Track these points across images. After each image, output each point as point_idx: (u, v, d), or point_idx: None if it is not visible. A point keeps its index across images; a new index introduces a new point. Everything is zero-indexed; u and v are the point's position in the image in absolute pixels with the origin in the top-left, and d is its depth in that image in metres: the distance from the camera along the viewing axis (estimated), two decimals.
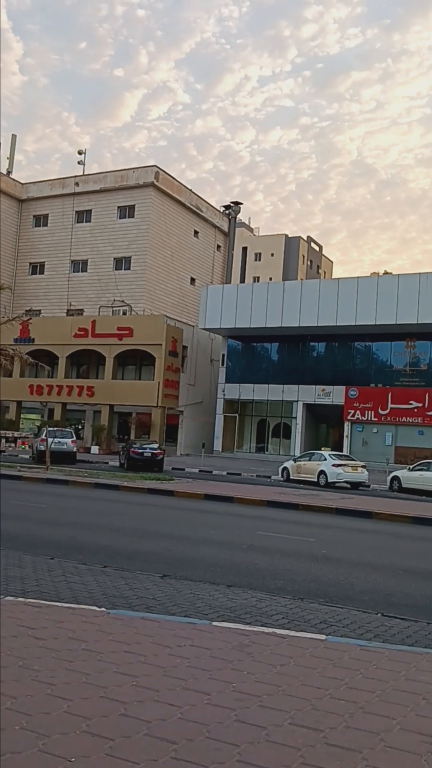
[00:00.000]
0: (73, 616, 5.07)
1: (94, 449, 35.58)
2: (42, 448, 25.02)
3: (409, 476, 23.62)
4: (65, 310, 43.88)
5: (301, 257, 74.04)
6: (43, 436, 25.99)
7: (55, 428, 29.35)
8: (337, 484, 23.29)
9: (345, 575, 8.21)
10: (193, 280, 46.92)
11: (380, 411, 33.87)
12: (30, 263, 46.96)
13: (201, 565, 8.13)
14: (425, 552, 11.06)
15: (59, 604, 5.45)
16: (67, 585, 6.38)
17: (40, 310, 44.69)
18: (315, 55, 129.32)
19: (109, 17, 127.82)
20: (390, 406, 33.64)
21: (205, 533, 11.07)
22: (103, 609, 5.35)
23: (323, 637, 5.00)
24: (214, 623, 5.15)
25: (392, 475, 24.71)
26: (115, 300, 41.76)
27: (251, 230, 79.33)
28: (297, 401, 36.65)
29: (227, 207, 49.90)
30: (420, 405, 32.92)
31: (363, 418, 34.45)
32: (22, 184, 48.34)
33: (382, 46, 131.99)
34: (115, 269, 43.30)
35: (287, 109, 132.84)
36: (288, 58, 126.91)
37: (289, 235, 75.44)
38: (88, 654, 4.18)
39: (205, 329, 38.98)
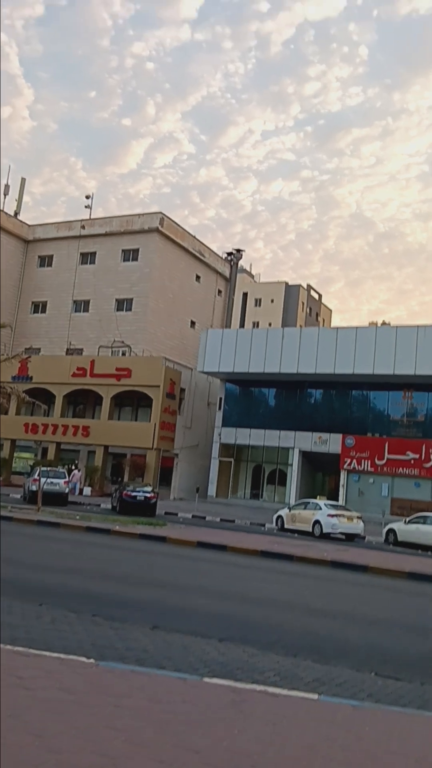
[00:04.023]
0: (62, 666, 4.97)
1: (87, 490, 35.26)
2: (34, 488, 24.77)
3: (405, 529, 23.38)
4: (65, 350, 44.10)
5: (300, 304, 74.92)
6: (36, 476, 25.78)
7: (48, 468, 29.12)
8: (332, 535, 23.02)
9: (339, 630, 8.08)
10: (193, 323, 47.34)
11: (377, 461, 33.76)
12: (32, 302, 47.41)
13: (193, 616, 8.00)
14: (420, 608, 10.90)
15: (48, 653, 5.34)
16: (57, 633, 6.26)
17: (39, 349, 44.92)
18: (317, 111, 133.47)
19: (119, 69, 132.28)
20: (387, 456, 33.56)
21: (197, 582, 10.91)
22: (92, 660, 5.25)
23: (316, 696, 4.91)
24: (206, 679, 5.05)
25: (388, 527, 24.46)
26: (115, 341, 42.03)
27: (252, 276, 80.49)
28: (293, 448, 36.54)
29: (229, 254, 50.77)
30: (417, 456, 32.84)
31: (359, 468, 34.31)
32: (29, 225, 49.19)
33: (382, 105, 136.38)
34: (117, 310, 43.72)
35: (289, 162, 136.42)
36: (291, 113, 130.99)
37: (289, 283, 76.51)
38: (78, 706, 4.09)
39: (203, 372, 39.14)
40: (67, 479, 28.66)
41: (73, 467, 38.29)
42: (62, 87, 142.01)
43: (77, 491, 34.22)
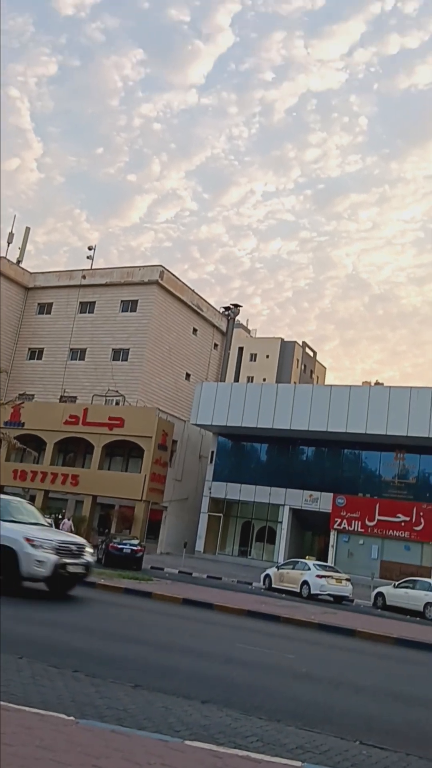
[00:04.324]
0: (41, 722, 4.85)
1: None
2: None
3: (393, 593, 23.05)
4: (59, 397, 44.15)
5: (295, 361, 75.58)
6: None
7: None
8: (320, 597, 22.63)
9: (325, 695, 7.90)
10: (188, 375, 47.63)
11: (367, 522, 33.49)
12: (29, 348, 47.72)
13: (176, 676, 7.83)
14: (407, 675, 10.68)
15: (27, 708, 5.22)
16: (36, 688, 6.12)
17: (33, 395, 44.96)
18: (317, 176, 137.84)
19: (127, 127, 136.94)
20: (377, 517, 33.32)
21: (181, 641, 10.69)
22: (72, 718, 5.13)
23: (299, 763, 4.79)
24: (187, 742, 4.93)
25: (377, 590, 24.11)
26: (109, 390, 42.16)
27: (248, 331, 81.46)
28: (284, 505, 36.26)
29: (227, 308, 51.51)
30: (407, 519, 32.63)
31: (350, 528, 33.99)
32: (30, 273, 49.99)
33: (380, 173, 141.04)
34: (113, 360, 44.01)
35: (288, 222, 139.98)
36: (291, 177, 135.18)
37: (285, 339, 77.37)
38: (56, 765, 3.99)
39: (196, 425, 39.14)
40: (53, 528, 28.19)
41: (60, 516, 37.75)
42: (71, 142, 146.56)
43: None
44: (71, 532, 34.58)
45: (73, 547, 13.00)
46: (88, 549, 13.72)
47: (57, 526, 32.73)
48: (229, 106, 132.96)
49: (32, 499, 38.39)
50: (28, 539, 12.16)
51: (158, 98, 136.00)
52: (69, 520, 35.32)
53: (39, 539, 12.30)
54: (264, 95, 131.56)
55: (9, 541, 12.11)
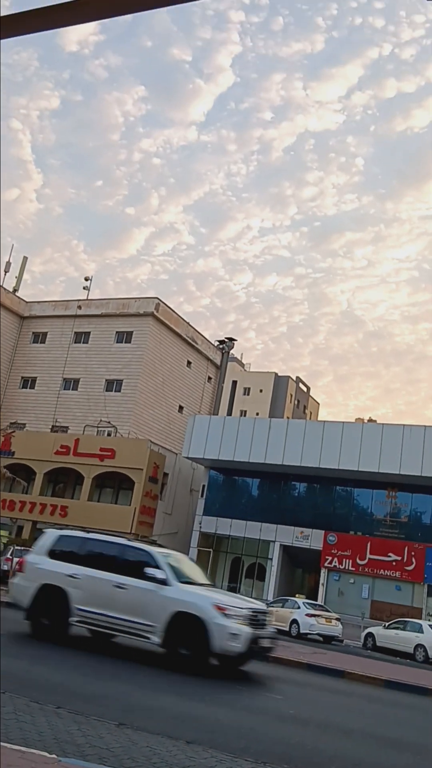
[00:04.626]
0: (21, 760, 4.71)
1: None
2: (6, 567, 24.03)
3: (384, 634, 22.74)
4: (50, 426, 43.94)
5: (288, 396, 75.71)
6: (9, 555, 25.06)
7: (23, 548, 28.32)
8: (309, 636, 22.27)
9: (312, 739, 7.72)
10: (181, 408, 47.58)
11: (358, 561, 33.16)
12: (22, 377, 47.67)
13: (160, 714, 7.64)
14: (397, 719, 10.46)
15: (7, 745, 5.07)
16: (18, 724, 5.95)
17: (25, 424, 44.73)
18: (313, 214, 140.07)
19: (127, 162, 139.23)
20: (368, 556, 33.00)
21: (167, 680, 10.46)
22: (53, 756, 4.98)
23: None
24: None
25: (367, 631, 23.79)
26: (101, 420, 42.00)
27: (242, 365, 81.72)
28: (274, 541, 35.90)
29: (221, 342, 51.76)
30: (399, 558, 32.33)
31: (340, 567, 33.63)
32: (26, 302, 50.22)
33: (375, 212, 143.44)
34: (106, 390, 43.96)
35: (284, 258, 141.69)
36: (288, 214, 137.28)
37: (279, 374, 77.63)
38: None
39: (188, 458, 38.94)
40: None
41: None
42: (71, 174, 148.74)
43: None
44: None
45: (260, 616, 11.20)
46: (270, 616, 12.14)
47: None
48: (228, 143, 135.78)
49: (20, 530, 37.91)
50: (218, 607, 10.31)
51: (158, 134, 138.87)
52: None
53: (230, 607, 10.42)
54: (263, 134, 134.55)
55: (195, 609, 10.32)
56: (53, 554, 11.95)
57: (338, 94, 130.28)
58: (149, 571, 10.73)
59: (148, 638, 10.70)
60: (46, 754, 5.01)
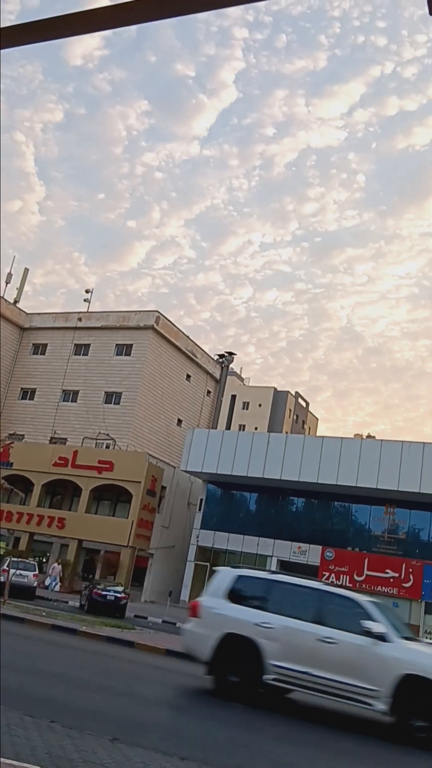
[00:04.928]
0: None
1: (47, 582, 33.91)
2: (2, 579, 23.87)
3: None
4: (49, 438, 43.84)
5: (287, 411, 75.63)
6: (5, 567, 24.91)
7: (19, 559, 28.17)
8: None
9: (308, 759, 7.62)
10: (180, 421, 47.51)
11: (356, 577, 32.95)
12: (21, 388, 47.64)
13: (155, 730, 7.56)
14: None
15: (1, 759, 5.00)
16: (10, 738, 5.88)
17: (23, 435, 44.64)
18: (314, 229, 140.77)
19: (129, 175, 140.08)
20: (366, 572, 32.81)
21: (162, 694, 10.36)
22: None
23: None
24: None
25: None
26: (100, 433, 41.92)
27: (241, 380, 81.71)
28: (272, 556, 35.68)
29: (221, 356, 51.85)
30: (396, 575, 32.14)
31: (338, 582, 33.37)
32: (27, 313, 50.31)
33: (376, 229, 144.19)
34: (105, 402, 43.93)
35: (284, 273, 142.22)
36: (289, 229, 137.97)
37: (278, 389, 77.60)
38: None
39: (186, 471, 38.81)
40: (36, 572, 27.60)
41: (45, 560, 37.02)
42: (73, 187, 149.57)
43: (56, 587, 32.75)
44: (60, 576, 33.90)
45: None
46: None
47: (41, 570, 32.09)
48: (230, 158, 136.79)
49: (16, 541, 37.70)
50: None
51: (161, 148, 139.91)
52: (59, 564, 34.56)
53: None
54: (265, 149, 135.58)
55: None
56: (234, 597, 10.30)
57: (340, 111, 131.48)
58: (366, 623, 9.21)
59: (369, 704, 8.96)
60: None
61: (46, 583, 32.93)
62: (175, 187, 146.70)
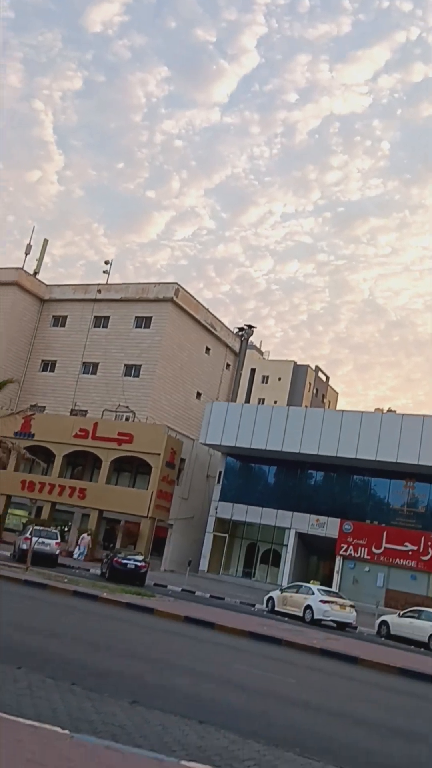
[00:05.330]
0: (33, 735, 4.76)
1: (75, 552, 34.50)
2: (25, 546, 24.33)
3: (398, 622, 22.65)
4: (69, 410, 44.21)
5: (307, 385, 75.36)
6: (28, 534, 25.37)
7: (41, 528, 28.67)
8: (323, 622, 22.28)
9: (324, 726, 7.72)
10: (199, 394, 47.59)
11: (374, 549, 33.05)
12: (42, 360, 47.95)
13: (174, 694, 7.69)
14: (410, 709, 10.42)
15: (21, 720, 5.12)
16: (31, 700, 6.02)
17: (44, 407, 45.06)
18: (337, 199, 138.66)
19: (149, 143, 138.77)
20: (384, 545, 32.87)
21: (181, 660, 10.53)
22: (66, 731, 5.02)
23: None
24: (183, 762, 4.81)
25: (381, 619, 23.71)
26: (119, 405, 42.16)
27: (261, 353, 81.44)
28: (290, 528, 35.89)
29: (241, 329, 51.57)
30: (415, 548, 32.16)
31: (356, 555, 33.56)
32: (47, 285, 50.40)
33: (400, 198, 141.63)
34: (124, 375, 44.09)
35: (306, 245, 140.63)
36: (311, 198, 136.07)
37: (298, 362, 77.27)
38: None
39: (205, 444, 38.98)
40: (58, 540, 28.07)
41: (67, 529, 37.64)
42: (92, 156, 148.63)
43: (83, 556, 33.36)
44: (88, 548, 34.47)
45: None
46: None
47: (63, 539, 32.64)
48: (251, 125, 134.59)
49: (39, 511, 38.33)
50: None
51: (181, 115, 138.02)
52: (88, 535, 35.06)
53: None
54: (287, 116, 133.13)
55: None
56: None
57: (365, 77, 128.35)
58: None
59: None
60: (58, 729, 5.05)
61: (75, 553, 33.56)
62: (195, 156, 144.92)
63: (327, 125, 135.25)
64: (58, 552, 27.38)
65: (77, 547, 34.24)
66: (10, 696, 6.01)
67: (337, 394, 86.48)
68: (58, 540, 28.13)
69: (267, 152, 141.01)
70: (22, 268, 48.93)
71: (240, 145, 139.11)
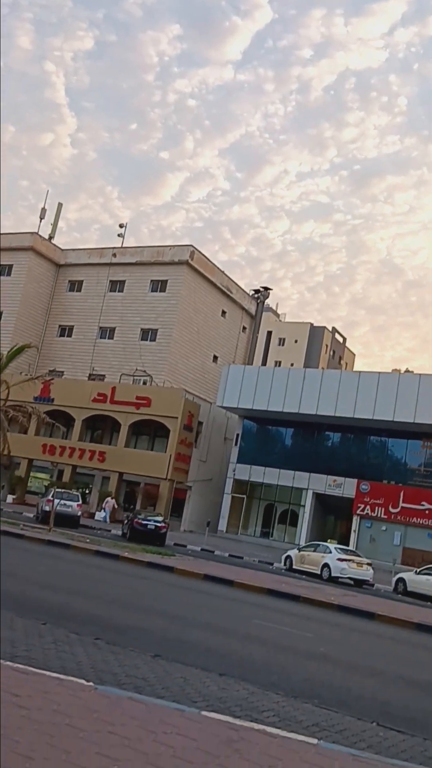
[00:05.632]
0: (59, 687, 4.93)
1: (99, 515, 35.15)
2: (47, 508, 24.83)
3: (415, 579, 22.91)
4: (87, 374, 44.50)
5: (324, 347, 74.92)
6: (50, 497, 25.85)
7: (63, 490, 29.20)
8: (340, 579, 22.61)
9: (341, 678, 7.90)
10: (215, 357, 47.58)
11: (391, 509, 33.27)
12: (59, 325, 48.10)
13: (194, 648, 7.90)
14: (426, 662, 10.62)
15: (47, 672, 5.31)
16: (57, 654, 6.23)
17: (63, 372, 45.39)
18: (353, 156, 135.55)
19: (162, 103, 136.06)
20: (401, 504, 33.06)
21: (201, 615, 10.78)
22: (90, 683, 5.20)
23: (315, 741, 4.79)
24: (203, 713, 4.97)
25: (398, 576, 23.99)
26: (137, 369, 42.34)
27: (277, 315, 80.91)
28: (307, 489, 36.19)
29: (257, 291, 51.18)
30: None
31: (373, 514, 33.82)
32: (62, 249, 50.22)
33: (418, 155, 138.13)
34: (141, 339, 44.14)
35: (322, 204, 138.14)
36: (327, 157, 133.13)
37: (314, 324, 76.69)
38: (71, 730, 4.05)
39: (222, 407, 39.15)
40: (80, 502, 28.59)
41: (86, 491, 38.27)
42: (105, 117, 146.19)
43: (107, 518, 34.03)
44: (114, 510, 35.12)
45: None
46: None
47: (84, 501, 33.24)
48: (265, 82, 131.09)
49: (60, 474, 38.98)
50: None
51: (194, 74, 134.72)
52: (113, 499, 35.69)
53: None
54: (301, 72, 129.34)
55: None
56: None
57: (381, 31, 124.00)
58: None
59: None
60: (83, 681, 5.23)
61: (101, 515, 34.21)
62: (208, 115, 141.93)
63: (342, 81, 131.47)
64: (79, 513, 27.93)
65: (102, 510, 34.87)
66: (37, 650, 6.22)
67: (354, 355, 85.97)
68: (80, 502, 28.66)
69: (281, 110, 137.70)
70: (37, 233, 48.75)
71: (254, 103, 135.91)
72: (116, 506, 35.51)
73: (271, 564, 26.33)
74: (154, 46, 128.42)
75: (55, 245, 50.07)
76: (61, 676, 5.26)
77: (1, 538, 16.81)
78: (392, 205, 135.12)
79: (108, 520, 33.92)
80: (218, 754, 4.08)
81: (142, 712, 4.70)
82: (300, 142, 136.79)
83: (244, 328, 51.36)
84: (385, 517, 33.42)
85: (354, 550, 27.85)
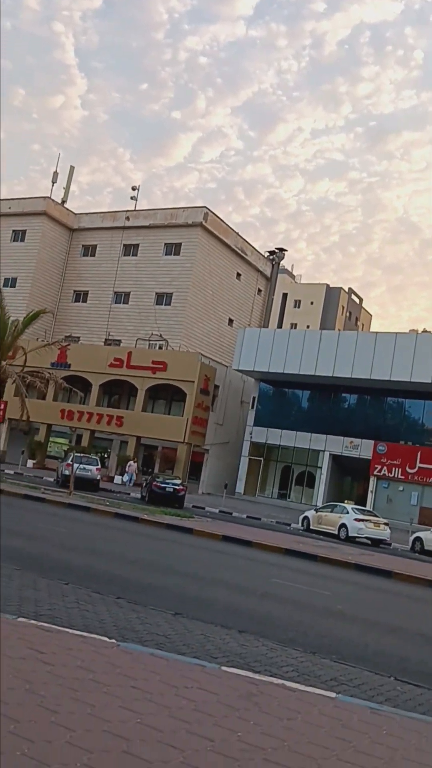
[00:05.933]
0: (83, 644, 5.06)
1: (118, 479, 35.61)
2: (67, 472, 25.19)
3: None
4: (103, 340, 44.56)
5: (340, 308, 74.22)
6: (69, 461, 26.20)
7: (82, 455, 29.55)
8: (357, 539, 22.83)
9: (359, 634, 8.02)
10: (231, 321, 47.35)
11: (408, 469, 33.31)
12: (74, 291, 48.02)
13: (214, 607, 8.04)
14: None
15: (70, 630, 5.44)
16: (80, 612, 6.38)
17: (79, 337, 45.48)
18: (369, 112, 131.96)
19: (172, 62, 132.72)
20: (418, 465, 33.07)
21: (220, 575, 10.95)
22: (113, 640, 5.33)
23: (333, 695, 4.89)
24: (224, 668, 5.08)
25: (415, 535, 24.16)
26: (152, 334, 42.29)
27: (293, 277, 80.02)
28: (324, 451, 36.29)
29: (272, 252, 50.51)
30: None
31: (390, 475, 33.90)
32: (75, 214, 49.80)
33: None
34: (156, 304, 43.98)
35: (337, 162, 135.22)
36: (342, 113, 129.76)
37: (330, 285, 75.83)
38: (94, 685, 4.16)
39: (238, 370, 39.12)
40: (99, 466, 28.97)
41: (104, 455, 38.70)
42: (115, 78, 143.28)
43: (131, 482, 34.44)
44: (136, 474, 35.56)
45: None
46: None
47: (103, 465, 33.64)
48: (278, 38, 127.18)
49: (79, 439, 39.41)
50: None
51: (204, 31, 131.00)
52: (135, 462, 36.11)
53: None
54: (315, 27, 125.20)
55: None
56: None
57: None
58: None
59: None
60: (105, 638, 5.36)
61: (125, 478, 34.65)
62: (220, 73, 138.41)
63: (357, 35, 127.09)
64: (98, 477, 28.31)
65: (126, 473, 35.29)
66: (60, 609, 6.37)
67: (371, 316, 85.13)
68: (99, 466, 29.04)
69: (295, 66, 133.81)
70: (50, 197, 48.32)
71: (266, 59, 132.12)
72: (137, 471, 35.95)
73: (289, 525, 26.61)
74: (164, 2, 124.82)
75: (68, 209, 49.65)
76: (85, 634, 5.39)
77: (1, 497, 17.24)
78: (409, 162, 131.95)
79: (132, 483, 34.37)
80: (238, 708, 4.17)
81: (164, 667, 4.82)
82: (314, 98, 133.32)
83: (260, 290, 50.92)
84: (402, 477, 33.49)
85: (371, 510, 28.02)
